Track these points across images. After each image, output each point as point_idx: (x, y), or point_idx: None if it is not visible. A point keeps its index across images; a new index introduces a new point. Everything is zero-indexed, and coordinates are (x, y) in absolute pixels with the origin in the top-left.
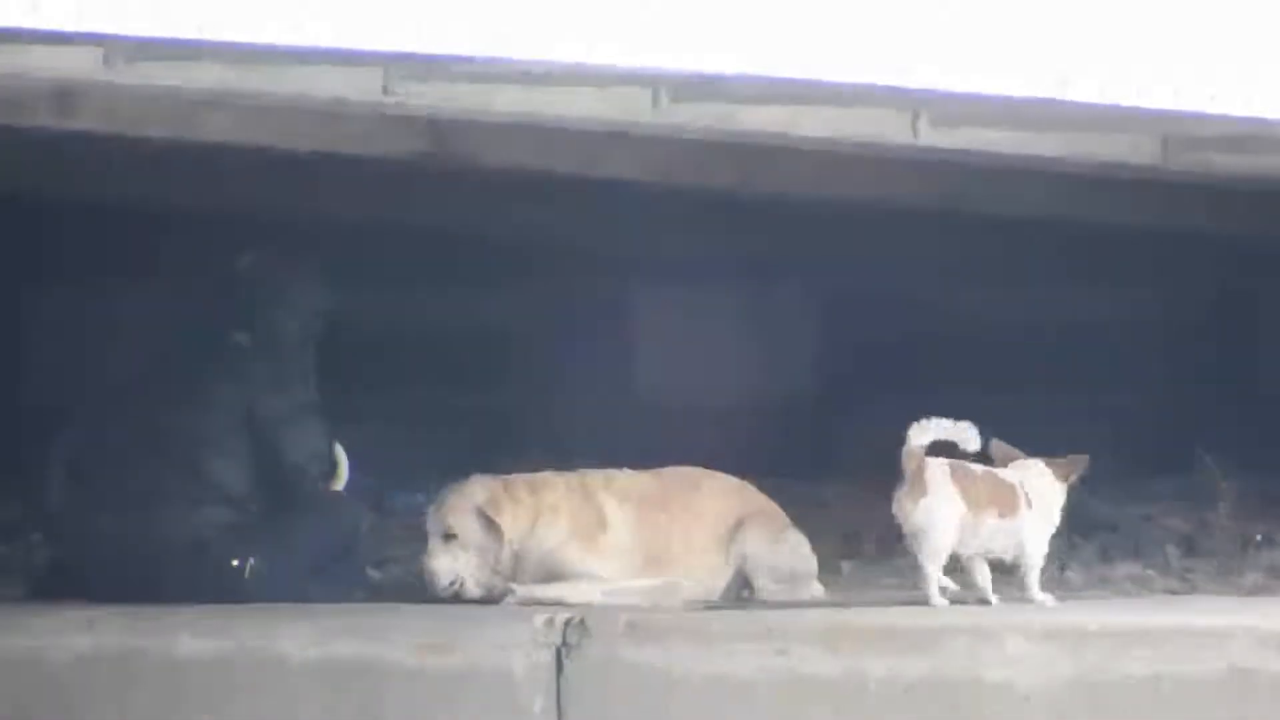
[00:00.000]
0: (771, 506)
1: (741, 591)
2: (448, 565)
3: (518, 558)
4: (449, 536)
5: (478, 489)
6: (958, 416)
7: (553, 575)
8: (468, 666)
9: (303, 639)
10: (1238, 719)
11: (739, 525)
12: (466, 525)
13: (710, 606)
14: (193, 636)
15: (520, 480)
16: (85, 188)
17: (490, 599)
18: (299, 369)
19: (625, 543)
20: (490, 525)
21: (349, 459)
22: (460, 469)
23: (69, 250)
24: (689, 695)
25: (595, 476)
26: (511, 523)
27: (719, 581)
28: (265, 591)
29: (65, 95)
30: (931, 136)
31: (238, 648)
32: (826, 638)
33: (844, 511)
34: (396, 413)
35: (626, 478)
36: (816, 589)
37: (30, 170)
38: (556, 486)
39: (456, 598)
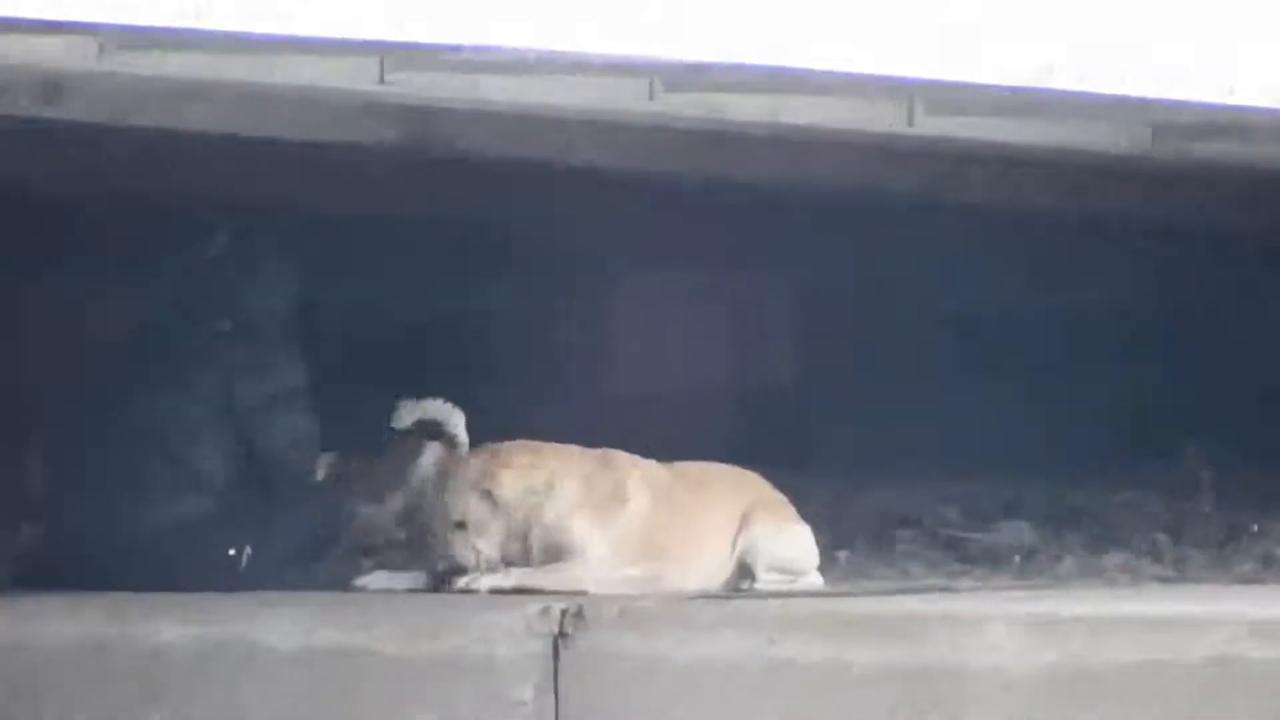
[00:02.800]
0: (779, 498)
1: (743, 582)
2: (470, 553)
3: (522, 528)
4: (459, 525)
5: (474, 466)
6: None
7: (553, 547)
8: (458, 656)
9: (286, 627)
10: (1225, 706)
11: (745, 517)
12: (471, 507)
13: (700, 595)
14: (175, 624)
15: (517, 446)
16: (71, 176)
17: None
18: (281, 356)
19: (636, 527)
20: (490, 499)
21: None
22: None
23: (52, 238)
24: (678, 681)
25: (622, 455)
26: (510, 491)
27: (722, 572)
28: (249, 580)
29: (52, 84)
30: (926, 125)
31: (221, 635)
32: (813, 625)
33: (836, 498)
34: (381, 403)
35: (650, 465)
36: (816, 580)
37: (15, 159)
38: (569, 453)
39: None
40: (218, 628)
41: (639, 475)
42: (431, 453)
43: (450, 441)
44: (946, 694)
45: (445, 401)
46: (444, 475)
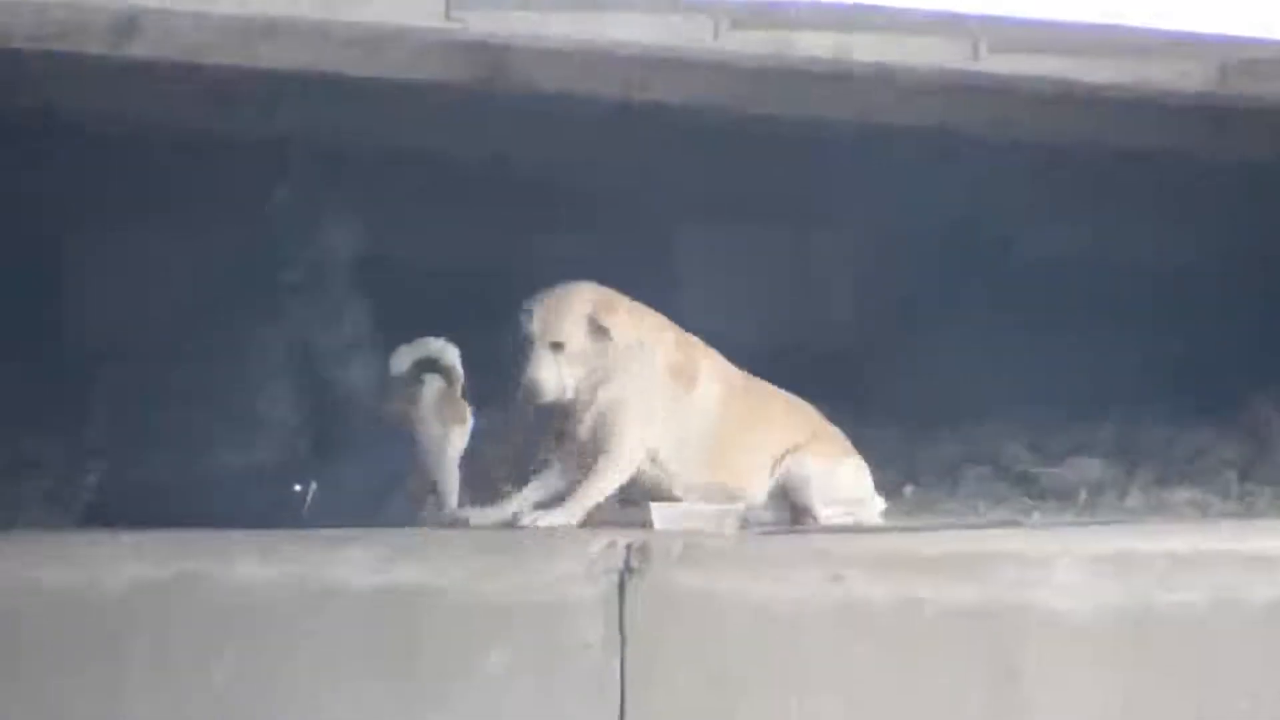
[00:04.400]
0: (832, 430)
1: (802, 518)
2: (555, 377)
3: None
4: (555, 345)
5: (586, 293)
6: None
7: (600, 429)
8: (527, 593)
9: (358, 565)
10: None
11: (798, 447)
12: (575, 333)
13: (765, 532)
14: (247, 561)
15: (625, 298)
16: (142, 117)
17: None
18: (350, 296)
19: (700, 427)
20: (598, 333)
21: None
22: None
23: (123, 180)
24: (742, 620)
25: (698, 342)
26: (623, 331)
27: (765, 498)
28: (319, 519)
29: (124, 23)
30: (990, 63)
31: (294, 572)
32: (881, 563)
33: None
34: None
35: (724, 362)
36: (874, 511)
37: (88, 99)
38: (662, 322)
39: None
40: (290, 565)
41: (710, 366)
42: (432, 384)
43: (448, 376)
44: (1015, 632)
45: (439, 338)
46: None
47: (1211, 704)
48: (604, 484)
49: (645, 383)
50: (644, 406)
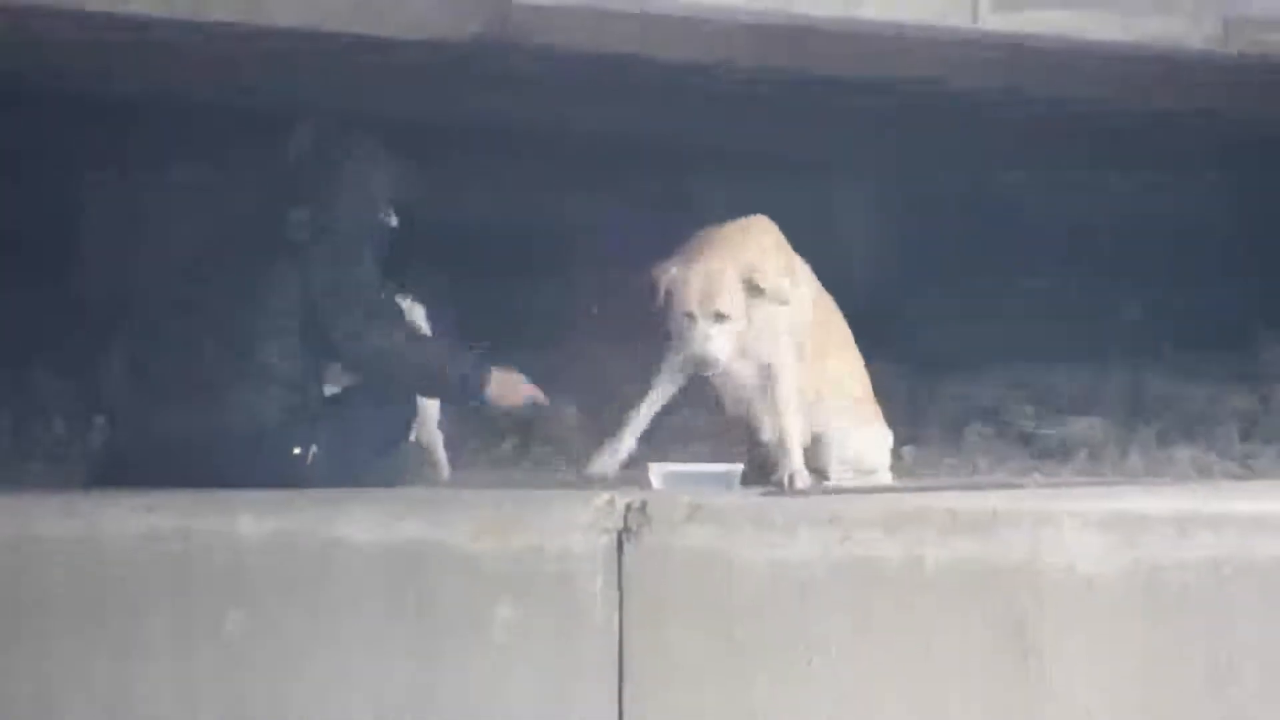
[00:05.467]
0: (869, 396)
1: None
2: (725, 346)
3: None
4: (719, 316)
5: (735, 257)
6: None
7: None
8: (531, 550)
9: (364, 522)
10: None
11: (827, 403)
12: (736, 301)
13: (769, 490)
14: (253, 519)
15: (760, 227)
16: (144, 74)
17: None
18: (361, 253)
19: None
20: (754, 291)
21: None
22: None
23: (126, 137)
24: (750, 580)
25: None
26: (771, 281)
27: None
28: (324, 477)
29: None
30: (992, 20)
31: (299, 530)
32: (886, 522)
33: (904, 393)
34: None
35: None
36: (886, 478)
37: (88, 56)
38: (779, 239)
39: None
40: (296, 523)
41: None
42: None
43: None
44: (1024, 591)
45: (406, 296)
46: None
47: (1223, 661)
48: (790, 390)
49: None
50: (789, 320)
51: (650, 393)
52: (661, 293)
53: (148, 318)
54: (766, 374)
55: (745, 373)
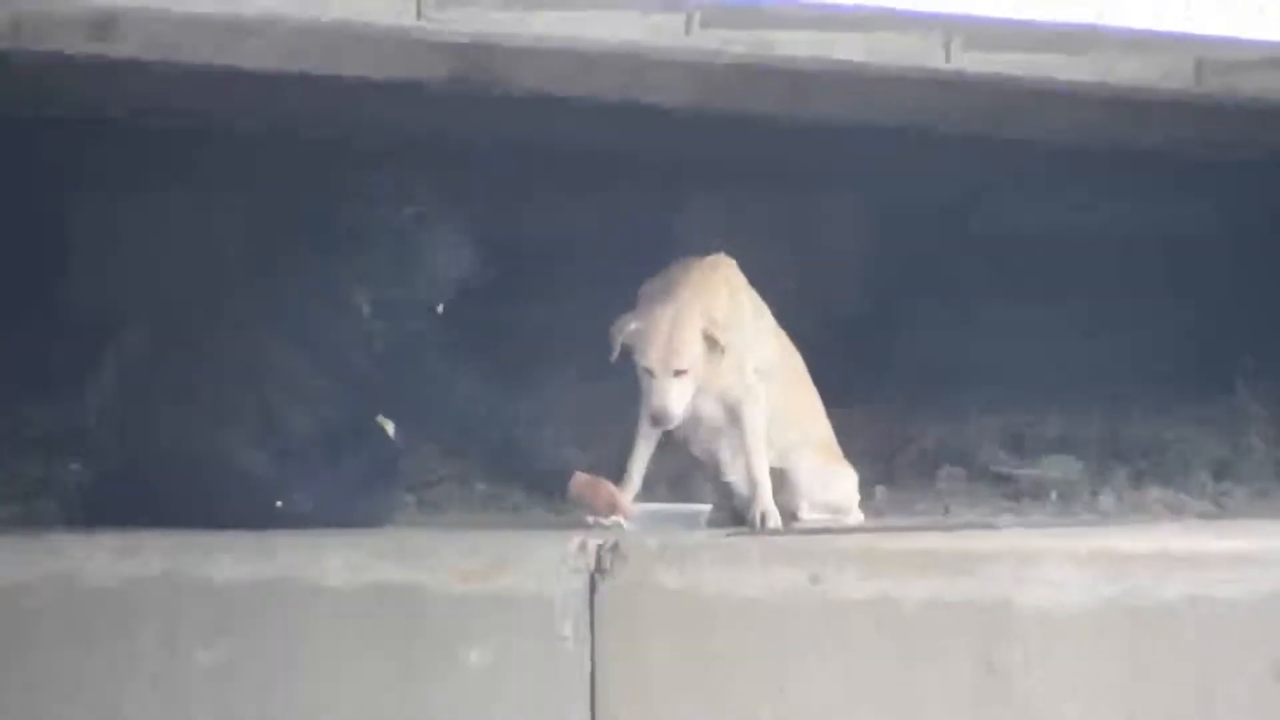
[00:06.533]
0: (830, 436)
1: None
2: (683, 401)
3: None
4: (679, 373)
5: (696, 309)
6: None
7: (733, 403)
8: (507, 592)
9: (344, 565)
10: (1277, 641)
11: (791, 449)
12: (695, 356)
13: (741, 531)
14: (232, 561)
15: (719, 272)
16: (123, 110)
17: None
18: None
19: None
20: (712, 344)
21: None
22: (493, 383)
23: (103, 172)
24: (722, 619)
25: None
26: (733, 335)
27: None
28: (309, 519)
29: (103, 20)
30: (963, 60)
31: (278, 573)
32: (862, 561)
33: (878, 433)
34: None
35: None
36: (857, 517)
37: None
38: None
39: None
40: (275, 566)
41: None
42: None
43: None
44: (1002, 632)
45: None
46: None
47: (1203, 697)
48: (758, 428)
49: (749, 344)
50: (753, 358)
51: (639, 440)
52: (619, 348)
53: (143, 354)
54: (732, 414)
55: (710, 412)
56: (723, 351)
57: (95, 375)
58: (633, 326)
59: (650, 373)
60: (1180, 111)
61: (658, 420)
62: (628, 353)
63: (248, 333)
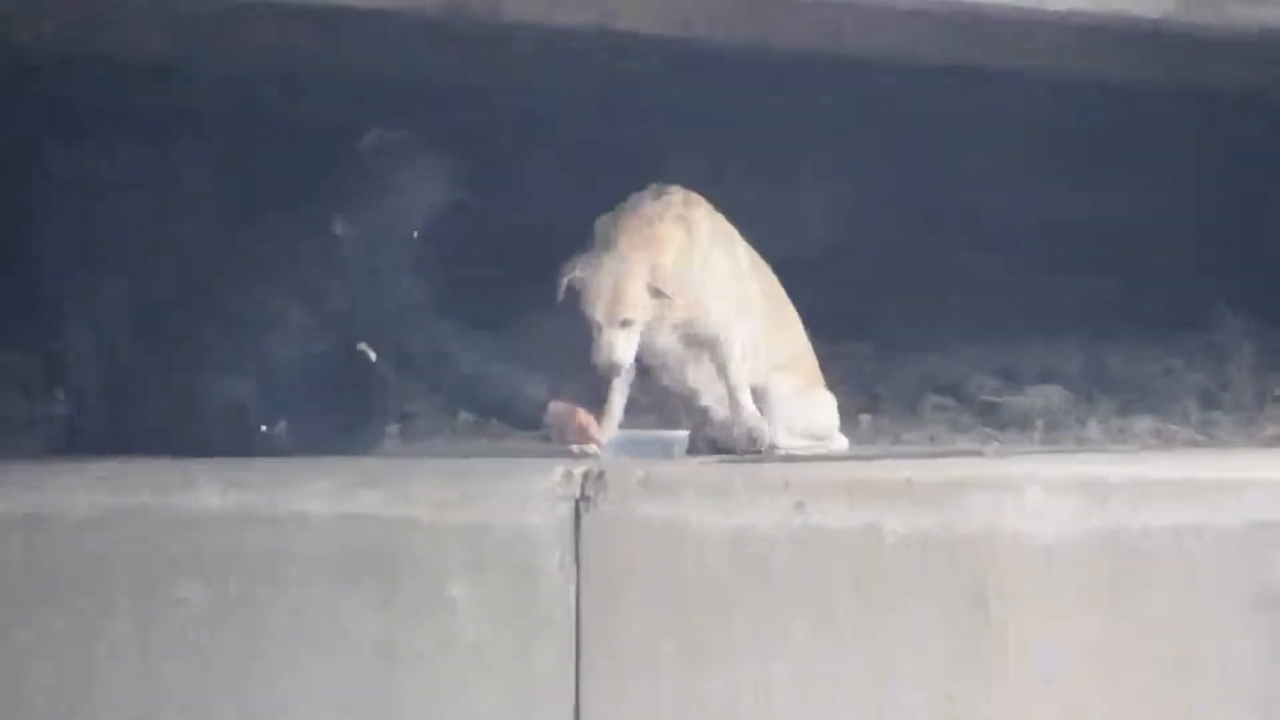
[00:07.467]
0: (811, 360)
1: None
2: (628, 350)
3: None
4: (625, 323)
5: (640, 261)
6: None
7: (696, 327)
8: (489, 521)
9: (322, 494)
10: (1258, 570)
11: (771, 374)
12: (639, 306)
13: (726, 459)
14: (213, 491)
15: (669, 216)
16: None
17: None
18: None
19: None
20: (658, 295)
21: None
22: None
23: (76, 114)
24: (706, 549)
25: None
26: (678, 286)
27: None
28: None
29: None
30: None
31: (258, 502)
32: (845, 491)
33: (865, 366)
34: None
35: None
36: (840, 443)
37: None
38: (705, 226)
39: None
40: (255, 494)
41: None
42: None
43: None
44: (985, 559)
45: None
46: None
47: (1184, 625)
48: (736, 362)
49: (716, 277)
50: (720, 291)
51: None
52: (563, 291)
53: (108, 294)
54: (698, 343)
55: (672, 347)
56: (669, 300)
57: (76, 314)
58: (578, 273)
59: (596, 325)
60: (1165, 41)
61: (603, 370)
62: (575, 297)
63: (226, 267)
